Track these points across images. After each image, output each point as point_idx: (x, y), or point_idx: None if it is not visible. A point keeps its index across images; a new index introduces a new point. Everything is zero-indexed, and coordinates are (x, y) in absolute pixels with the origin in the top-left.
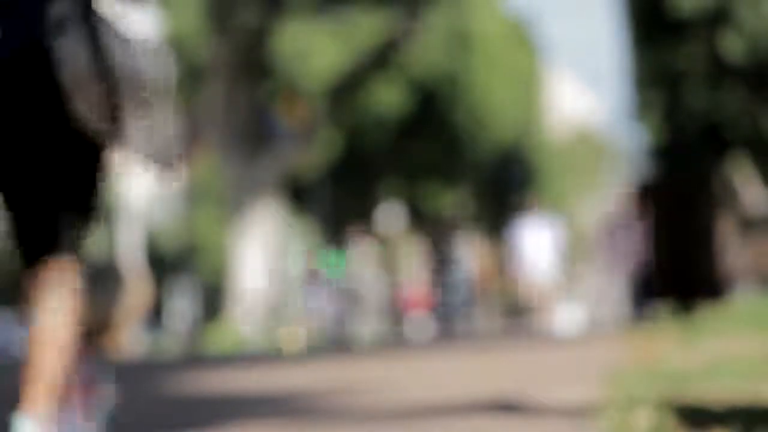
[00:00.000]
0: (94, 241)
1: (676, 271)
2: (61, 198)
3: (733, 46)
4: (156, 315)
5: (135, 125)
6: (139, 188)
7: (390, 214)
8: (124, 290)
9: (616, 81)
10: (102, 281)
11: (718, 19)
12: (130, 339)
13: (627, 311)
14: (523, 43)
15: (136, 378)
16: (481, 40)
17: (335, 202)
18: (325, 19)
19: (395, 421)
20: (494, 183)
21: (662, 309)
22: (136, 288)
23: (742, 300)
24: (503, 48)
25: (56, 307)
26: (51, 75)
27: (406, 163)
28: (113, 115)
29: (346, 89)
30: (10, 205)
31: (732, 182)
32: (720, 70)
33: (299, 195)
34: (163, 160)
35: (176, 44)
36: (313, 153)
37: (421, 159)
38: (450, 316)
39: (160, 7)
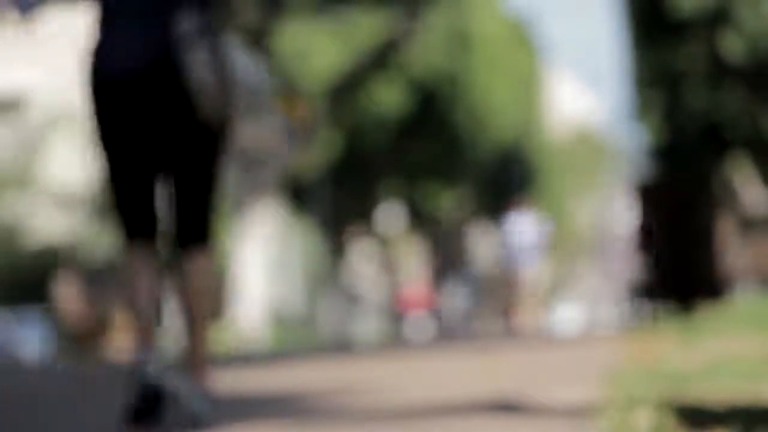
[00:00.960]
0: (94, 242)
1: (676, 271)
2: (192, 185)
3: (733, 46)
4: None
5: (245, 120)
6: None
7: (390, 214)
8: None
9: (616, 81)
10: (102, 281)
11: (718, 19)
12: (130, 339)
13: (627, 311)
14: (523, 43)
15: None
16: (481, 41)
17: (335, 202)
18: (325, 19)
19: (395, 421)
20: (494, 183)
21: (662, 309)
22: None
23: (742, 300)
24: (503, 48)
25: (200, 286)
26: (181, 82)
27: (406, 163)
28: (229, 114)
29: (346, 89)
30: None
31: (732, 182)
32: (720, 70)
33: (299, 195)
34: (267, 146)
35: None
36: (313, 153)
37: (421, 159)
38: (460, 315)
39: None
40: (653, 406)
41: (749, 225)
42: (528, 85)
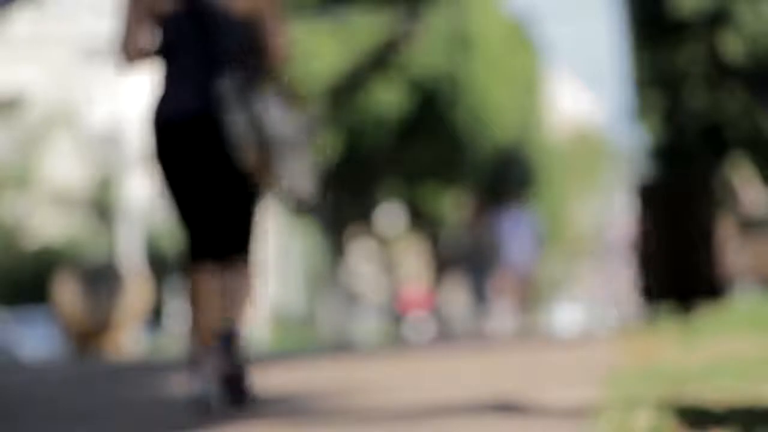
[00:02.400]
0: (94, 242)
1: (676, 271)
2: (232, 217)
3: (733, 47)
4: (156, 315)
5: (280, 171)
6: (139, 188)
7: (390, 215)
8: (124, 291)
9: (616, 81)
10: (102, 281)
11: (718, 20)
12: (130, 339)
13: (626, 311)
14: (523, 43)
15: (136, 378)
16: (481, 41)
17: (335, 203)
18: (325, 20)
19: (395, 421)
20: (494, 183)
21: (662, 309)
22: (136, 288)
23: (741, 300)
24: (503, 49)
25: (237, 287)
26: (221, 135)
27: (406, 163)
28: (265, 165)
29: (346, 89)
30: (195, 220)
31: (732, 182)
32: (720, 71)
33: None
34: (301, 195)
35: None
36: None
37: (421, 159)
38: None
39: None
40: (653, 406)
41: (749, 225)
42: (528, 86)
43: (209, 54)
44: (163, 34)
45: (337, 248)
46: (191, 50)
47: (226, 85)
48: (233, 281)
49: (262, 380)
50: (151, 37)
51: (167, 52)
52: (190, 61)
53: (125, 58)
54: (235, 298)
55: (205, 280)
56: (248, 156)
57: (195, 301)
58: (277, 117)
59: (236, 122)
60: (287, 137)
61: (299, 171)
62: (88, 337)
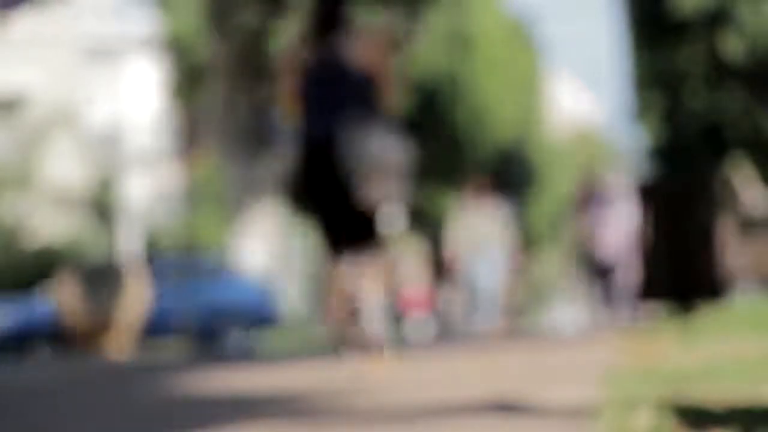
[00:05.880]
0: (94, 242)
1: (676, 271)
2: (349, 218)
3: (733, 46)
4: None
5: (388, 188)
6: (139, 188)
7: (390, 214)
8: (124, 291)
9: (616, 82)
10: (102, 281)
11: (718, 19)
12: (130, 339)
13: (625, 311)
14: (523, 43)
15: (136, 378)
16: (481, 41)
17: None
18: None
19: (395, 421)
20: (494, 183)
21: (661, 309)
22: (136, 288)
23: (742, 300)
24: (503, 48)
25: (374, 276)
26: (340, 155)
27: None
28: (375, 184)
29: None
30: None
31: (732, 182)
32: (720, 71)
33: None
34: (393, 209)
35: (176, 44)
36: None
37: (420, 159)
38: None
39: (160, 7)
40: (653, 406)
41: (749, 225)
42: (528, 85)
43: (337, 95)
44: (305, 81)
45: None
46: (325, 93)
47: (347, 121)
48: (367, 268)
49: (262, 380)
50: (298, 83)
51: (308, 93)
52: (323, 102)
53: (284, 102)
54: (369, 282)
55: (340, 268)
56: (359, 176)
57: (334, 287)
58: (384, 147)
59: (351, 151)
60: (392, 164)
61: (396, 190)
62: (88, 337)
